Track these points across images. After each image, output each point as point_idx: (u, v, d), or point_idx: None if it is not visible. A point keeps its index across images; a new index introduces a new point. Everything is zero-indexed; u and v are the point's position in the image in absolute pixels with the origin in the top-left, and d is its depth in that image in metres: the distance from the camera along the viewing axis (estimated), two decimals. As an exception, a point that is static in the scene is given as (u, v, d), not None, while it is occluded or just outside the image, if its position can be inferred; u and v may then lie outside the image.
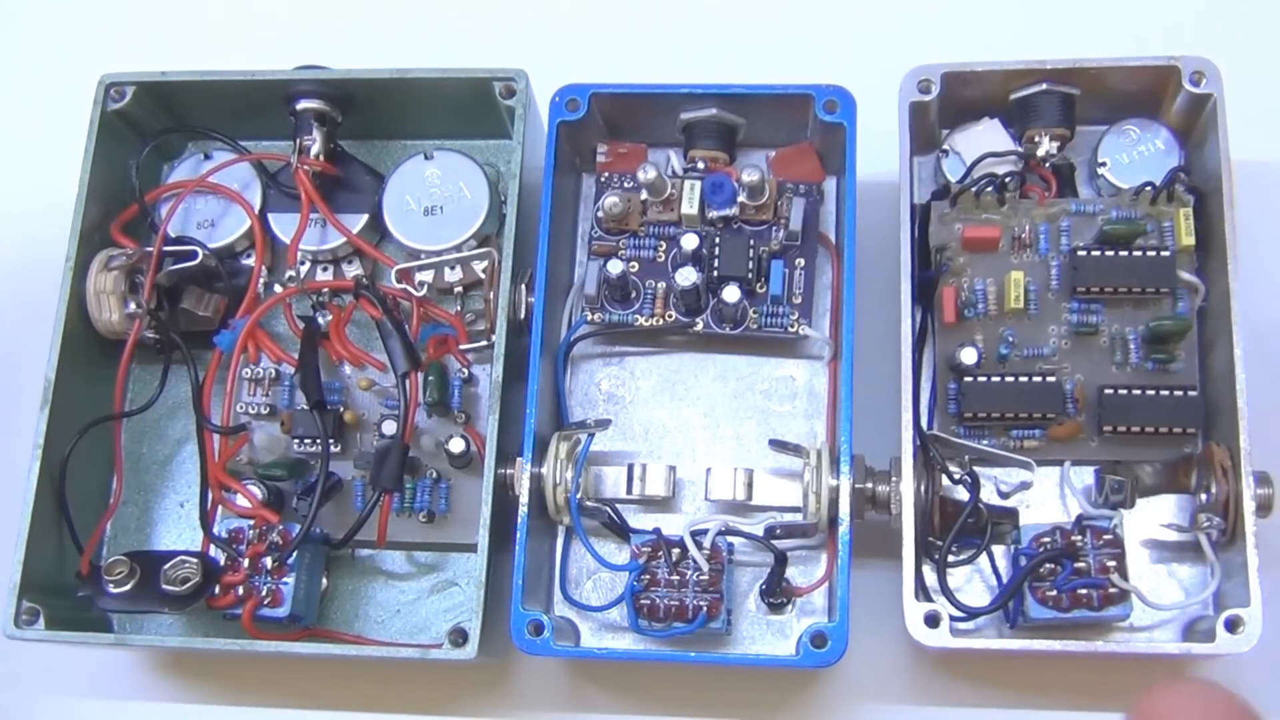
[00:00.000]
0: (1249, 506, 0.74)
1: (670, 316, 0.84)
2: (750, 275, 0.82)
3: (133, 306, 0.85)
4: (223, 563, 0.80)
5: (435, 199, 0.87)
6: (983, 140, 0.84)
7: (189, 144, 0.94)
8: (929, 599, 0.76)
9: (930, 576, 0.77)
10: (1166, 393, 0.78)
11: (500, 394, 0.80)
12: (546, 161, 0.83)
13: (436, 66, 0.87)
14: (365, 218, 0.88)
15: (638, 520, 0.83)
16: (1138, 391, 0.78)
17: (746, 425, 0.85)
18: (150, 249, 0.85)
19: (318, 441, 0.83)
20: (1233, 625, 0.73)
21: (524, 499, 0.78)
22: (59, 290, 0.85)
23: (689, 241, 0.82)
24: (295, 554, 0.80)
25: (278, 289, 0.87)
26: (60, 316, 0.84)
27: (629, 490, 0.82)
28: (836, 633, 0.75)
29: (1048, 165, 0.83)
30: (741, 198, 0.83)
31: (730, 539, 0.80)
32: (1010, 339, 0.81)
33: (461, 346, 0.85)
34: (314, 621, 0.83)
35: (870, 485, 0.77)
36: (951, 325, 0.81)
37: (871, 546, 0.80)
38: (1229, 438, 0.76)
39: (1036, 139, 0.83)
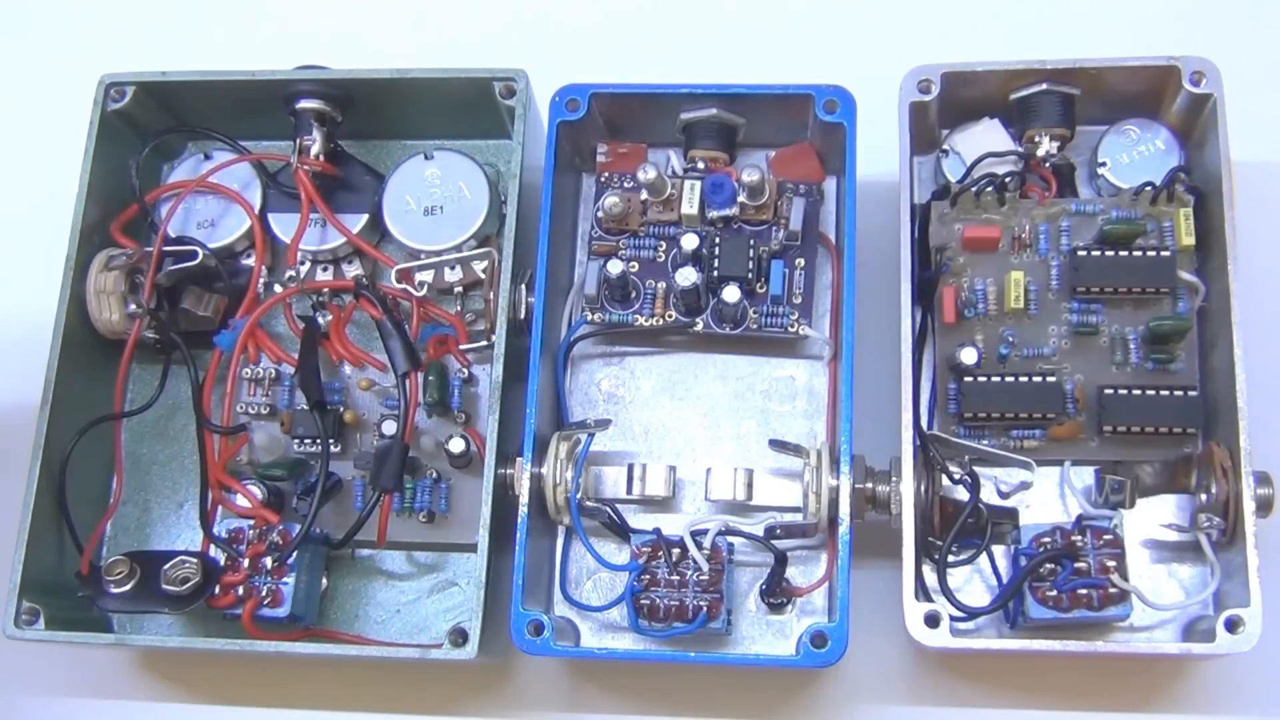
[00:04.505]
0: (1249, 506, 0.74)
1: (670, 316, 0.84)
2: (750, 275, 0.82)
3: (133, 306, 0.85)
4: (223, 563, 0.80)
5: (435, 199, 0.87)
6: (983, 140, 0.84)
7: (189, 144, 0.94)
8: (929, 599, 0.76)
9: (930, 576, 0.77)
10: (1166, 393, 0.78)
11: (500, 394, 0.80)
12: (546, 161, 0.83)
13: (436, 66, 0.87)
14: (365, 218, 0.88)
15: (638, 520, 0.83)
16: (1138, 391, 0.78)
17: (746, 425, 0.85)
18: (150, 249, 0.85)
19: (318, 441, 0.83)
20: (1233, 625, 0.72)
21: (524, 499, 0.78)
22: (59, 290, 0.85)
23: (689, 241, 0.82)
24: (295, 554, 0.80)
25: (278, 289, 0.87)
26: (60, 316, 0.84)
27: (629, 490, 0.82)
28: (836, 633, 0.75)
29: (1048, 165, 0.83)
30: (741, 198, 0.83)
31: (730, 539, 0.80)
32: (1010, 339, 0.81)
33: (461, 346, 0.85)
34: (314, 621, 0.83)
35: (870, 485, 0.77)
36: (951, 325, 0.81)
37: (871, 546, 0.80)
38: (1229, 438, 0.76)
39: (1036, 139, 0.83)
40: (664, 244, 0.84)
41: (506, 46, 1.00)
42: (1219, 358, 0.78)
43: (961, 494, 0.77)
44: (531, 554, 0.78)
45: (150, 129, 0.90)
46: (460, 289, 0.87)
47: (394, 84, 0.87)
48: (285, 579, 0.80)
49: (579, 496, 0.79)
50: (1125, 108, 0.84)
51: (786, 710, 0.85)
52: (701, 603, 0.77)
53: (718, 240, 0.83)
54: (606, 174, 0.86)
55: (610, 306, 0.84)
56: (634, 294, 0.84)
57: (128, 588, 0.79)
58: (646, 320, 0.84)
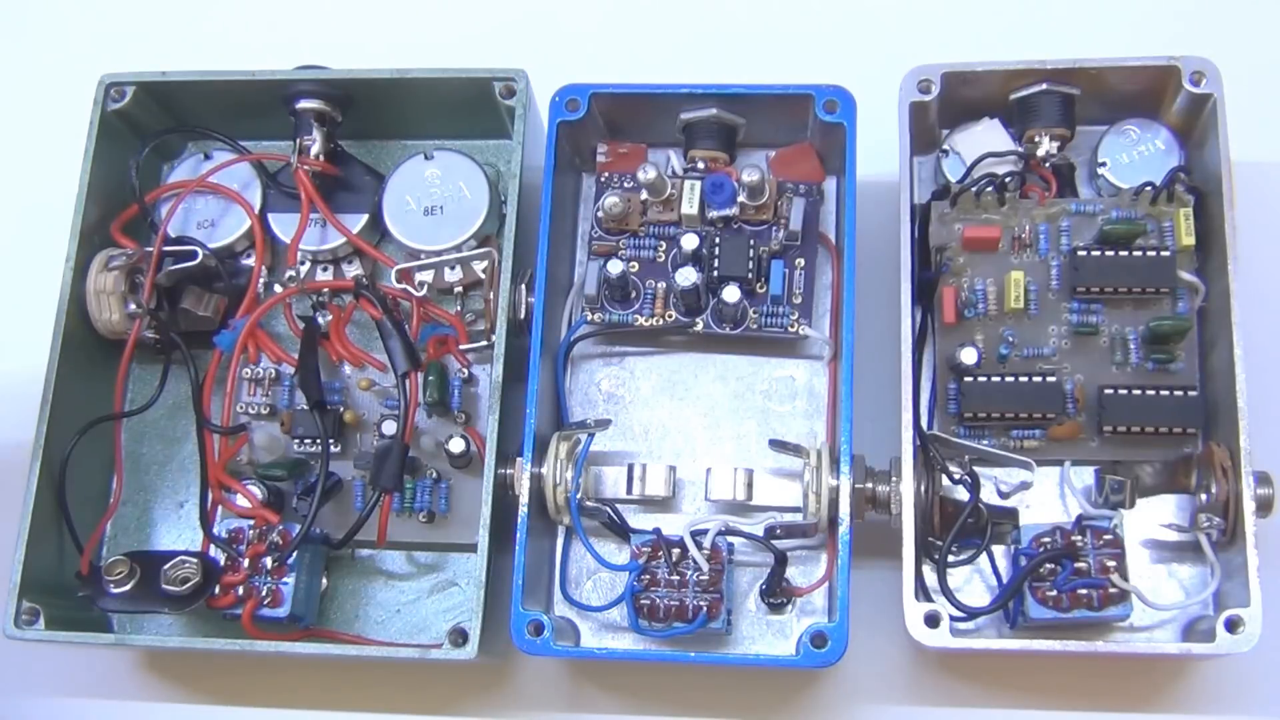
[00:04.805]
0: (1249, 506, 0.74)
1: (670, 316, 0.84)
2: (750, 275, 0.82)
3: (133, 306, 0.85)
4: (223, 563, 0.80)
5: (435, 199, 0.87)
6: (983, 140, 0.84)
7: (189, 144, 0.94)
8: (929, 599, 0.76)
9: (930, 576, 0.77)
10: (1166, 393, 0.78)
11: (500, 394, 0.80)
12: (546, 161, 0.83)
13: (436, 66, 0.87)
14: (365, 218, 0.88)
15: (638, 520, 0.83)
16: (1138, 391, 0.78)
17: (746, 425, 0.85)
18: (150, 249, 0.85)
19: (318, 441, 0.83)
20: (1233, 625, 0.72)
21: (524, 499, 0.78)
22: (59, 290, 0.85)
23: (689, 241, 0.82)
24: (295, 554, 0.80)
25: (278, 289, 0.87)
26: (60, 316, 0.84)
27: (629, 490, 0.82)
28: (836, 633, 0.75)
29: (1048, 165, 0.83)
30: (741, 198, 0.83)
31: (730, 539, 0.80)
32: (1010, 339, 0.81)
33: (461, 346, 0.85)
34: (314, 621, 0.83)
35: (870, 485, 0.77)
36: (951, 325, 0.81)
37: (871, 546, 0.80)
38: (1229, 438, 0.76)
39: (1036, 139, 0.83)
40: (664, 244, 0.84)
41: (506, 46, 1.00)
42: (1219, 358, 0.78)
43: (961, 494, 0.77)
44: (531, 554, 0.78)
45: (150, 129, 0.90)
46: (460, 289, 0.87)
47: (394, 84, 0.87)
48: (285, 579, 0.80)
49: (579, 496, 0.79)
50: (1125, 108, 0.84)
51: (786, 710, 0.85)
52: (701, 603, 0.77)
53: (718, 240, 0.83)
54: (606, 174, 0.86)
55: (610, 306, 0.84)
56: (634, 294, 0.84)
57: (128, 588, 0.79)
58: (646, 320, 0.84)
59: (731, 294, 0.81)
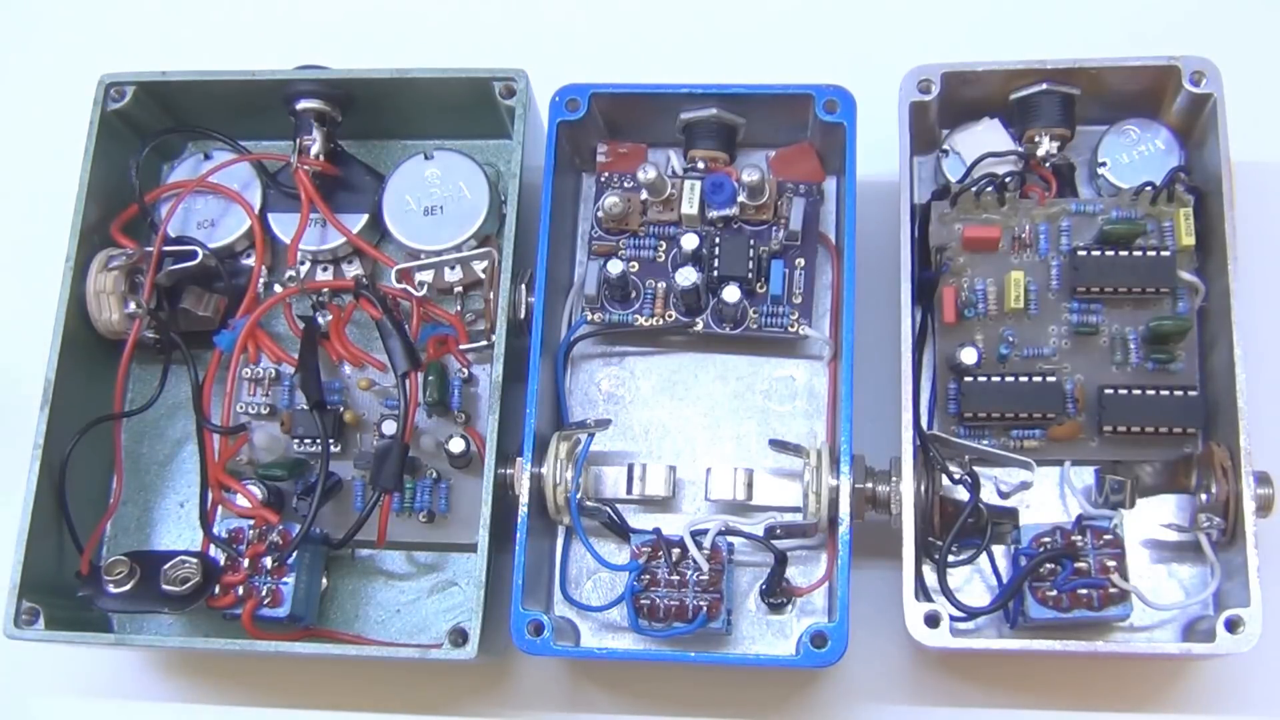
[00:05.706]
0: (1249, 506, 0.74)
1: (670, 316, 0.84)
2: (750, 275, 0.82)
3: (133, 306, 0.85)
4: (223, 563, 0.80)
5: (435, 199, 0.87)
6: (983, 140, 0.84)
7: (189, 144, 0.94)
8: (929, 599, 0.76)
9: (930, 576, 0.77)
10: (1166, 393, 0.78)
11: (500, 394, 0.80)
12: (546, 161, 0.83)
13: (436, 66, 0.87)
14: (365, 218, 0.88)
15: (638, 520, 0.83)
16: (1138, 391, 0.79)
17: (746, 425, 0.85)
18: (150, 249, 0.85)
19: (318, 441, 0.83)
20: (1233, 625, 0.73)
21: (524, 499, 0.78)
22: (59, 290, 0.85)
23: (689, 241, 0.82)
24: (295, 554, 0.80)
25: (278, 289, 0.87)
26: (60, 316, 0.84)
27: (629, 490, 0.82)
28: (836, 633, 0.75)
29: (1048, 165, 0.83)
30: (741, 198, 0.83)
31: (730, 539, 0.80)
32: (1010, 339, 0.81)
33: (461, 346, 0.85)
34: (314, 621, 0.83)
35: (870, 485, 0.77)
36: (951, 325, 0.81)
37: (871, 546, 0.80)
38: (1229, 438, 0.76)
39: (1036, 139, 0.83)
40: (664, 244, 0.84)
41: (506, 46, 1.00)
42: (1219, 358, 0.78)
43: (961, 494, 0.77)
44: (531, 554, 0.78)
45: (150, 129, 0.90)
46: (460, 289, 0.87)
47: (394, 84, 0.87)
48: (285, 579, 0.80)
49: (579, 496, 0.79)
50: (1125, 108, 0.84)
51: (786, 710, 0.85)
52: (701, 603, 0.77)
53: (718, 240, 0.83)
54: (606, 174, 0.86)
55: (610, 306, 0.84)
56: (634, 294, 0.84)
57: (128, 588, 0.79)
58: (646, 320, 0.84)
59: (731, 294, 0.81)
